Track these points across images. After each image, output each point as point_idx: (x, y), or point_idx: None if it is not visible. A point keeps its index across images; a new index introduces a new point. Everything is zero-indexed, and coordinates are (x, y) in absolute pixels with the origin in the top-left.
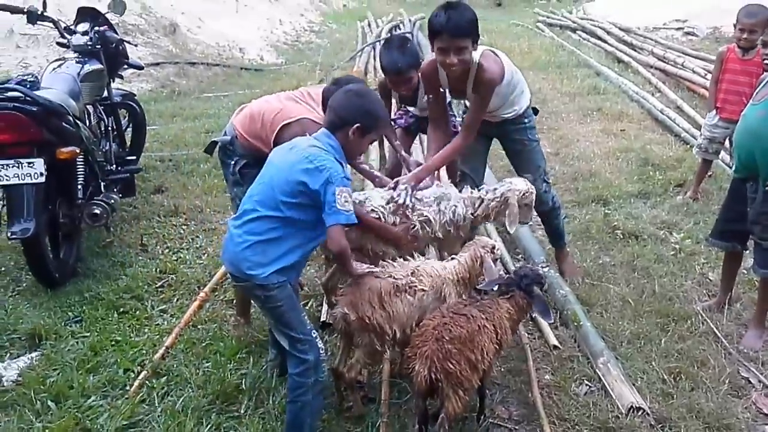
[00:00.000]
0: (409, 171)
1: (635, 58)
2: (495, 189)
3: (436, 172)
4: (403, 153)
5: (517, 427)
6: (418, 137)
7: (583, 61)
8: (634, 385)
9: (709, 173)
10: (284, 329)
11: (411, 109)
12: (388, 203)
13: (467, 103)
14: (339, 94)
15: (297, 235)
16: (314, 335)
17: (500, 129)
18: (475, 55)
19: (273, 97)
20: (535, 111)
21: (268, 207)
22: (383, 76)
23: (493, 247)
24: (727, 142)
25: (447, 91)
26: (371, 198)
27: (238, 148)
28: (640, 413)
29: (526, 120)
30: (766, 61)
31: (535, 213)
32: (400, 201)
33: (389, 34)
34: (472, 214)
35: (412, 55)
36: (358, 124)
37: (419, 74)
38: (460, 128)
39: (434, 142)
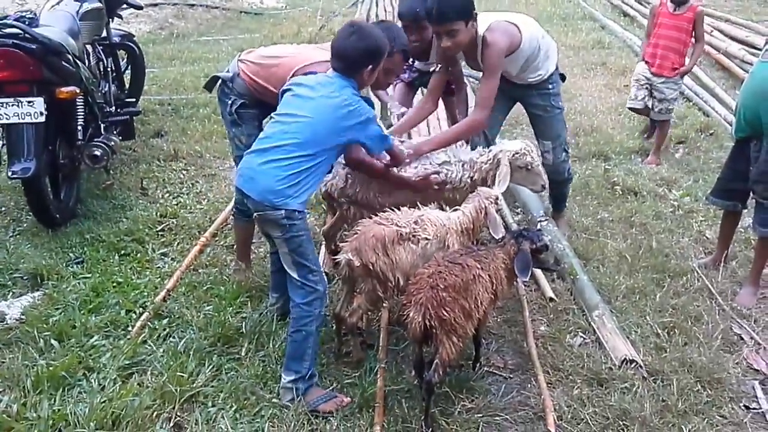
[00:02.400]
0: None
1: (641, 12)
2: (489, 151)
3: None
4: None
5: (511, 375)
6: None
7: (589, 13)
8: (628, 338)
9: (710, 131)
10: (300, 259)
11: (416, 63)
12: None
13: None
14: (341, 41)
15: (325, 166)
16: (321, 269)
17: (523, 92)
18: (481, 29)
19: (291, 46)
20: (563, 77)
21: (311, 146)
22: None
23: (496, 198)
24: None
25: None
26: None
27: (237, 86)
28: (633, 365)
29: (550, 86)
30: None
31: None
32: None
33: None
34: (470, 177)
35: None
36: (370, 66)
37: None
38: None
39: (421, 108)
